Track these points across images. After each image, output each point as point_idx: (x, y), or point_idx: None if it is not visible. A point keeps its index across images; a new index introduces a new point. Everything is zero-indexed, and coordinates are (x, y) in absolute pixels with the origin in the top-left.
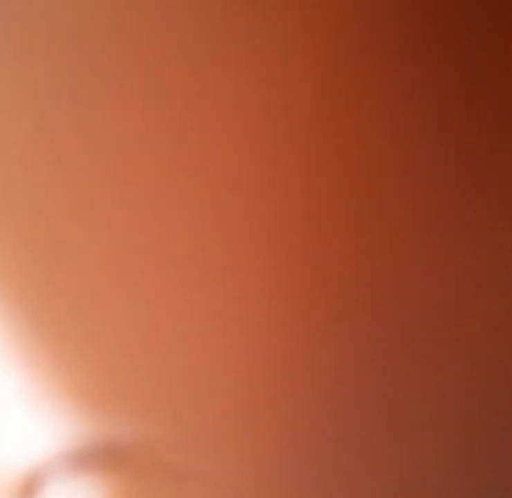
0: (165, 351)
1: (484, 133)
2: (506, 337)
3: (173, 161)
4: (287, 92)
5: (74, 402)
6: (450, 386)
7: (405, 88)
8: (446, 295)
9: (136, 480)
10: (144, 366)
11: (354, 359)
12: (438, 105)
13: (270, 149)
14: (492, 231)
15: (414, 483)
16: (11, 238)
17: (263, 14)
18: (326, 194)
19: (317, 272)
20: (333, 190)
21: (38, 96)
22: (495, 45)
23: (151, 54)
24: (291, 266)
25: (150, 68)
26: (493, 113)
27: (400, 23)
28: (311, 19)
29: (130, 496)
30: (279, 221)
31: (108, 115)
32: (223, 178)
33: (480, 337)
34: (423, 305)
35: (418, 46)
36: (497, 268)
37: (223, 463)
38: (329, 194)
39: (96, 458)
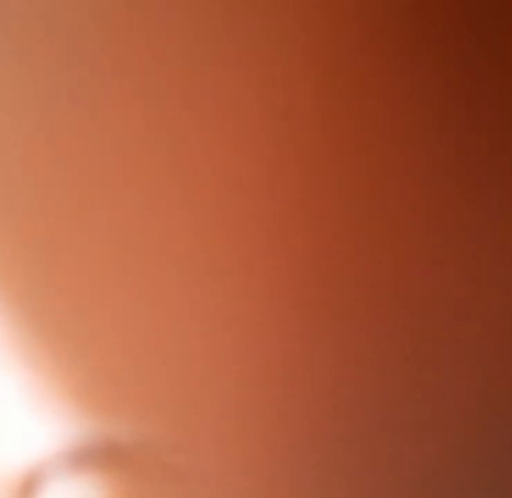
0: (164, 350)
1: (484, 133)
2: (506, 337)
3: (173, 161)
4: (287, 92)
5: (74, 401)
6: (450, 386)
7: (405, 88)
8: (446, 295)
9: (136, 480)
10: (144, 366)
11: (354, 359)
12: (438, 105)
13: (270, 149)
14: (492, 231)
15: (414, 483)
16: (11, 238)
17: (263, 14)
18: (326, 194)
19: (317, 272)
20: (333, 190)
21: (38, 96)
22: (495, 45)
23: (151, 55)
24: (291, 266)
25: (150, 68)
26: (493, 113)
27: (400, 23)
28: (311, 19)
29: (129, 495)
30: (279, 221)
31: (109, 115)
32: (223, 178)
33: (480, 337)
34: (423, 305)
35: (418, 46)
36: (497, 268)
37: (223, 462)
38: (329, 193)
39: (96, 457)
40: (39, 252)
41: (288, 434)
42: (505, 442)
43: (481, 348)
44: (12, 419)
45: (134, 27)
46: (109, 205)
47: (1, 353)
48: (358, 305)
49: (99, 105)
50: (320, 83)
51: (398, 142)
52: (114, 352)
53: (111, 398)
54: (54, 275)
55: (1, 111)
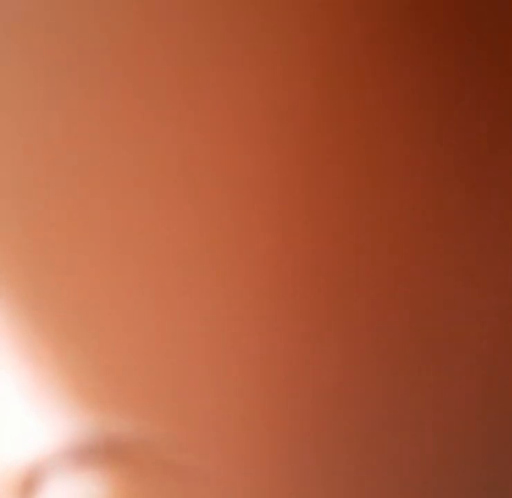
0: (167, 348)
1: (484, 133)
2: (507, 337)
3: (175, 161)
4: (289, 91)
5: (75, 399)
6: (450, 386)
7: (406, 88)
8: (447, 295)
9: (137, 477)
10: (147, 364)
11: (355, 359)
12: (438, 105)
13: (272, 149)
14: (493, 231)
15: (415, 483)
16: (14, 236)
17: (265, 14)
18: (327, 194)
19: (319, 272)
20: (334, 190)
21: (38, 96)
22: (495, 45)
23: (154, 54)
24: (293, 266)
25: (152, 68)
26: (493, 113)
27: (401, 24)
28: (312, 19)
29: (130, 493)
30: (281, 220)
31: (110, 114)
32: (224, 177)
33: (481, 336)
34: (424, 305)
35: (419, 46)
36: (497, 268)
37: (224, 461)
38: (330, 193)
39: (97, 455)
40: (41, 249)
41: (289, 432)
42: (505, 441)
43: (482, 348)
44: (14, 416)
45: (136, 26)
46: (111, 204)
47: (2, 350)
48: (359, 305)
49: (101, 105)
50: (321, 83)
51: (399, 142)
52: (116, 349)
53: (113, 396)
54: (56, 273)
55: (1, 111)
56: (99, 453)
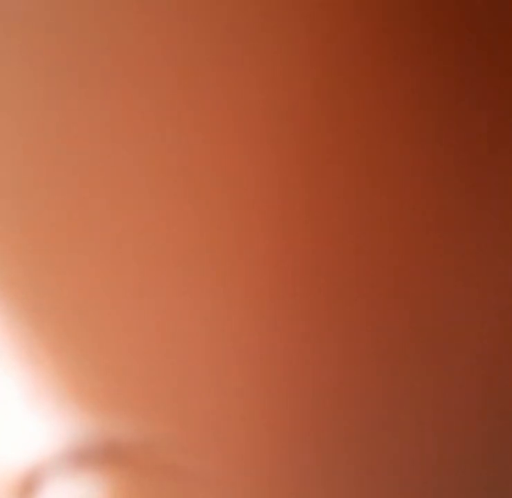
0: (166, 350)
1: (484, 133)
2: (507, 337)
3: (175, 160)
4: (289, 92)
5: (75, 400)
6: (450, 386)
7: (405, 88)
8: (447, 295)
9: (137, 479)
10: (146, 366)
11: (355, 359)
12: (438, 105)
13: (272, 149)
14: (493, 231)
15: (415, 483)
16: (13, 237)
17: (265, 14)
18: (327, 194)
19: (319, 273)
20: (334, 190)
21: (38, 96)
22: (495, 45)
23: (154, 54)
24: (293, 266)
25: (152, 67)
26: (493, 113)
27: (401, 24)
28: (313, 19)
29: (130, 495)
30: (281, 220)
31: (109, 115)
32: (224, 177)
33: (481, 336)
34: (424, 305)
35: (419, 46)
36: (497, 268)
37: (224, 462)
38: (330, 193)
39: (97, 456)
40: (40, 250)
41: (289, 432)
42: (505, 441)
43: (482, 348)
44: (13, 418)
45: (136, 26)
46: (111, 204)
47: (2, 352)
48: (359, 305)
49: (101, 105)
50: (321, 83)
51: (399, 142)
52: (116, 351)
53: (112, 397)
54: (56, 273)
55: (1, 111)
56: (99, 455)
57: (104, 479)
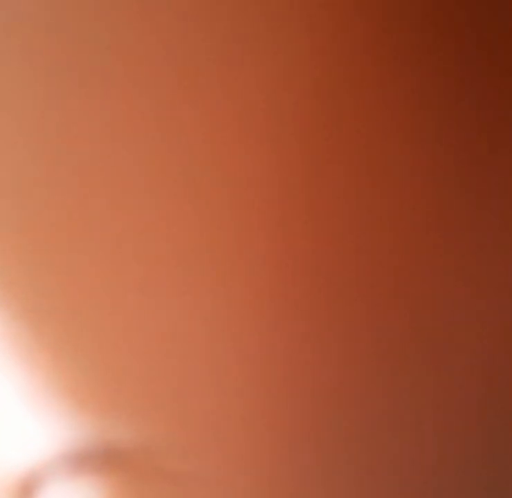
0: (166, 351)
1: (484, 133)
2: (507, 337)
3: (175, 160)
4: (289, 91)
5: (74, 403)
6: (450, 386)
7: (405, 88)
8: (447, 295)
9: (135, 482)
10: (145, 366)
11: (355, 359)
12: (438, 105)
13: (272, 149)
14: (493, 231)
15: (415, 483)
16: (13, 237)
17: (267, 14)
18: (327, 194)
19: (319, 273)
20: (334, 190)
21: (38, 96)
22: (495, 45)
23: (156, 54)
24: (293, 266)
25: (152, 67)
26: (493, 113)
27: (401, 24)
28: (313, 19)
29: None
30: (281, 221)
31: (109, 115)
32: (225, 177)
33: (481, 336)
34: (424, 305)
35: (419, 46)
36: (497, 268)
37: (224, 463)
38: (330, 193)
39: (95, 460)
40: (40, 250)
41: (289, 433)
42: (505, 441)
43: (482, 348)
44: (11, 421)
45: (136, 26)
46: (111, 205)
47: (0, 353)
48: (359, 305)
49: (101, 105)
50: (322, 83)
51: (399, 142)
52: (115, 351)
53: (111, 400)
54: (55, 274)
55: (1, 111)
56: (98, 457)
57: (103, 481)
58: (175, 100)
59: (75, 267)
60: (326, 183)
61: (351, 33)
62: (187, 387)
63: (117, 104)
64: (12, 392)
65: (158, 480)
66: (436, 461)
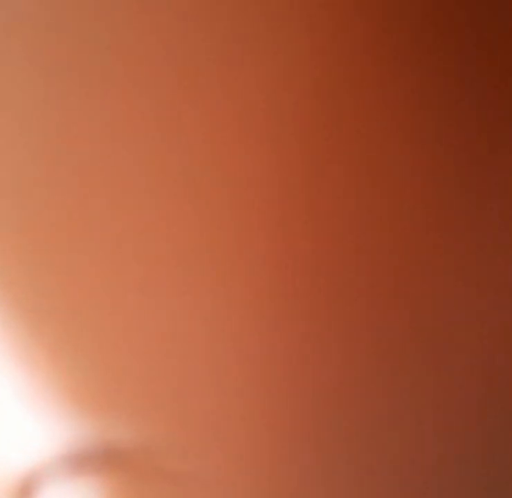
0: (165, 351)
1: (484, 133)
2: (507, 337)
3: (175, 160)
4: (290, 91)
5: (73, 404)
6: (450, 386)
7: (405, 88)
8: (447, 295)
9: (135, 482)
10: (145, 366)
11: (355, 359)
12: (438, 105)
13: (272, 149)
14: (493, 231)
15: (415, 483)
16: (13, 237)
17: (268, 14)
18: (327, 194)
19: (319, 272)
20: (334, 190)
21: (38, 96)
22: (495, 45)
23: (154, 54)
24: (293, 266)
25: (152, 67)
26: (493, 113)
27: (401, 24)
28: (313, 19)
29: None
30: (281, 221)
31: (110, 114)
32: (225, 177)
33: (481, 336)
34: (424, 305)
35: (419, 46)
36: (497, 268)
37: (224, 463)
38: (330, 193)
39: (95, 460)
40: (40, 250)
41: (289, 432)
42: (505, 441)
43: (482, 348)
44: (11, 421)
45: (136, 26)
46: (111, 205)
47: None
48: (359, 305)
49: (101, 105)
50: (322, 82)
51: (399, 142)
52: (115, 351)
53: (111, 401)
54: (54, 274)
55: (1, 111)
56: (98, 458)
57: (103, 482)
58: (175, 100)
59: (75, 267)
60: (326, 183)
61: (351, 33)
62: (187, 387)
63: (118, 104)
64: (11, 392)
65: (158, 480)
66: (436, 461)
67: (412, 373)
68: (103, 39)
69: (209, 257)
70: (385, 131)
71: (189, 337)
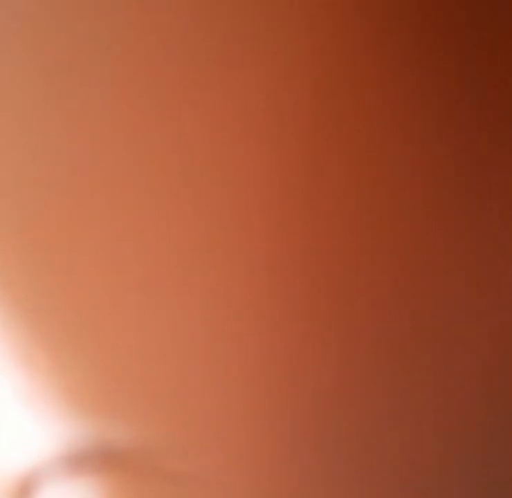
0: (165, 352)
1: (485, 133)
2: (507, 337)
3: (175, 160)
4: (290, 91)
5: (73, 404)
6: (450, 386)
7: (405, 88)
8: (447, 295)
9: (134, 483)
10: (145, 367)
11: (356, 359)
12: (438, 105)
13: (272, 149)
14: (493, 231)
15: (415, 483)
16: (13, 237)
17: (268, 14)
18: (327, 194)
19: (319, 272)
20: (335, 190)
21: (38, 96)
22: (495, 45)
23: (154, 54)
24: (293, 266)
25: (152, 67)
26: (493, 113)
27: (401, 24)
28: (313, 19)
29: None
30: (281, 221)
31: (110, 114)
32: (225, 177)
33: (481, 336)
34: (424, 305)
35: (419, 46)
36: (497, 268)
37: (223, 466)
38: (330, 193)
39: (94, 460)
40: (40, 250)
41: (289, 436)
42: (505, 441)
43: (482, 348)
44: (9, 421)
45: (136, 26)
46: (111, 205)
47: None
48: (359, 305)
49: (101, 105)
50: (322, 82)
51: (399, 142)
52: (114, 352)
53: (111, 401)
54: (55, 274)
55: (1, 111)
56: (97, 458)
57: (102, 482)
58: (175, 100)
59: (75, 267)
60: (326, 183)
61: (351, 33)
62: (187, 387)
63: (118, 104)
64: (11, 392)
65: (158, 480)
66: (437, 461)
67: (412, 373)
68: (103, 39)
69: (209, 257)
70: (385, 131)
71: (189, 337)
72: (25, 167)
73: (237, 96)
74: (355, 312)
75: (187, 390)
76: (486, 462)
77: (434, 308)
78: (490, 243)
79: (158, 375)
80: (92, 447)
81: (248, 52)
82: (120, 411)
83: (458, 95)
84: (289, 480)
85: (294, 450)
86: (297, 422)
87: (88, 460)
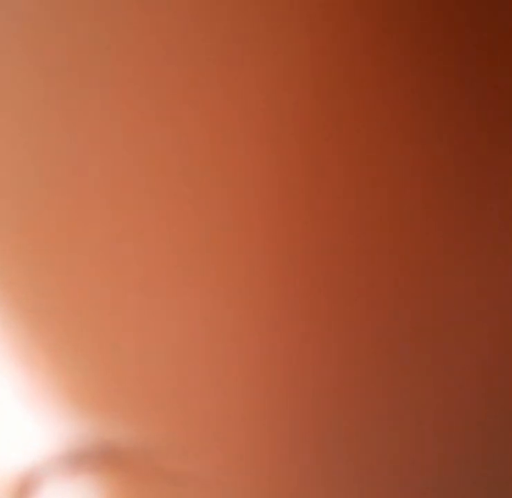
0: (165, 352)
1: (485, 133)
2: (507, 337)
3: (175, 160)
4: (290, 91)
5: (72, 403)
6: (450, 386)
7: (405, 88)
8: (447, 295)
9: (135, 482)
10: (145, 367)
11: (356, 359)
12: (438, 105)
13: (272, 148)
14: (493, 231)
15: (415, 483)
16: (13, 237)
17: (268, 14)
18: (327, 194)
19: (319, 272)
20: (335, 190)
21: (38, 96)
22: (495, 45)
23: (154, 54)
24: (293, 266)
25: (152, 67)
26: (494, 113)
27: (401, 24)
28: (313, 19)
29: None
30: (281, 221)
31: (110, 114)
32: (225, 177)
33: (481, 336)
34: (424, 304)
35: (419, 46)
36: (497, 268)
37: (223, 466)
38: (331, 193)
39: (93, 460)
40: (40, 250)
41: (289, 436)
42: (505, 441)
43: (482, 348)
44: (10, 420)
45: (136, 26)
46: (111, 205)
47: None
48: (359, 305)
49: (101, 105)
50: (322, 82)
51: (399, 142)
52: (114, 352)
53: (110, 400)
54: (54, 274)
55: (1, 111)
56: (97, 458)
57: (102, 482)
58: (175, 100)
59: (75, 267)
60: (326, 183)
61: (351, 33)
62: (187, 387)
63: (118, 104)
64: (11, 392)
65: (158, 480)
66: (437, 461)
67: (412, 373)
68: (103, 39)
69: (209, 257)
70: (385, 131)
71: (189, 337)
72: (25, 167)
73: (237, 96)
74: (355, 312)
75: (187, 390)
76: (486, 462)
77: (434, 308)
78: (490, 243)
79: (158, 375)
80: (92, 446)
81: (248, 52)
82: (120, 411)
83: (458, 95)
84: (289, 480)
85: (294, 450)
86: (297, 422)
87: (88, 459)
